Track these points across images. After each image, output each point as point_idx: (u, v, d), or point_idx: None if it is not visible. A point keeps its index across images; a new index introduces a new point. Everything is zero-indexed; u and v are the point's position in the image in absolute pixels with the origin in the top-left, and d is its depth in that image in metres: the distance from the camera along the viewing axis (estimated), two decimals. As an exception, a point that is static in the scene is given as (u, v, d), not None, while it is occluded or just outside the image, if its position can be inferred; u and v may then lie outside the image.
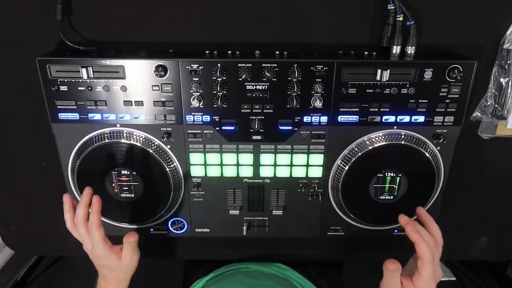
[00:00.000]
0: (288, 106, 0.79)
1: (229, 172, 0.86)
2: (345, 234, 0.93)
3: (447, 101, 0.78)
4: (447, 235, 0.99)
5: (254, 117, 0.80)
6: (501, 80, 0.80)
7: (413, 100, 0.78)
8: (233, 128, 0.80)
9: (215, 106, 0.78)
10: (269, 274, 0.99)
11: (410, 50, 0.77)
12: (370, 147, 0.81)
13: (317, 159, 0.84)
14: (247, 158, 0.84)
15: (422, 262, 0.67)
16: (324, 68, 0.75)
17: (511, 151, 0.89)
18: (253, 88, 0.77)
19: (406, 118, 0.80)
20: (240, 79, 0.76)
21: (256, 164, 0.85)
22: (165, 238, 0.96)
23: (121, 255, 0.81)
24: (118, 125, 0.81)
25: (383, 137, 0.81)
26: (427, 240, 0.68)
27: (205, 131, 0.81)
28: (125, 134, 0.81)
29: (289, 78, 0.76)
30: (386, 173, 0.84)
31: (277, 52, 0.78)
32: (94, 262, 0.83)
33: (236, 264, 1.03)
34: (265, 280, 0.93)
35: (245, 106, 0.79)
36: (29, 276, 1.35)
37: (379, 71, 0.75)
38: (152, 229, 0.93)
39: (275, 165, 0.85)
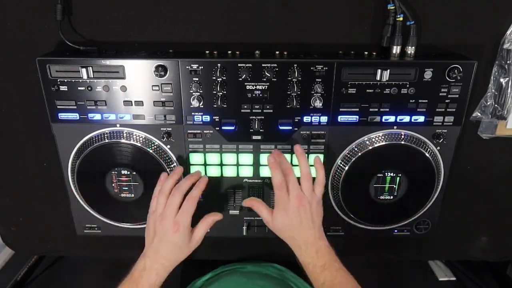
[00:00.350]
0: (288, 106, 0.79)
1: (229, 172, 0.86)
2: (345, 234, 0.93)
3: (447, 101, 0.78)
4: (447, 235, 1.00)
5: (254, 117, 0.80)
6: (501, 80, 0.80)
7: (413, 100, 0.78)
8: (233, 128, 0.80)
9: (215, 106, 0.78)
10: (266, 275, 0.99)
11: (410, 50, 0.77)
12: (370, 147, 0.81)
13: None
14: (247, 158, 0.84)
15: (273, 187, 0.76)
16: (324, 68, 0.75)
17: (511, 151, 0.89)
18: (253, 88, 0.77)
19: (406, 118, 0.80)
20: (240, 79, 0.76)
21: (256, 164, 0.85)
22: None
23: (194, 232, 0.77)
24: (118, 125, 0.81)
25: (383, 137, 0.81)
26: (283, 169, 0.76)
27: (205, 131, 0.81)
28: (125, 134, 0.81)
29: (289, 78, 0.76)
30: (386, 173, 0.84)
31: (277, 52, 0.78)
32: (162, 237, 0.75)
33: (234, 264, 1.03)
34: (261, 280, 0.93)
35: (245, 106, 0.79)
36: (29, 276, 1.34)
37: (379, 71, 0.75)
38: (152, 229, 0.92)
39: (275, 165, 0.85)
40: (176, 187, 0.76)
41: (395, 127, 0.81)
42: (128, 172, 0.84)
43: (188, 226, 0.76)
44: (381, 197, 0.87)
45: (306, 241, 0.75)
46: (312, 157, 0.84)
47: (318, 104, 0.78)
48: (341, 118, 0.80)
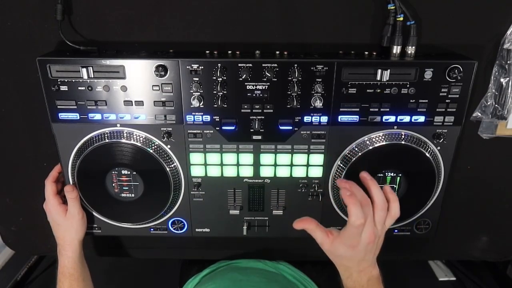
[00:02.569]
0: (288, 106, 0.79)
1: (229, 172, 0.86)
2: (345, 234, 0.93)
3: (447, 101, 0.78)
4: (447, 235, 1.00)
5: (254, 117, 0.80)
6: (501, 80, 0.80)
7: (413, 100, 0.78)
8: (233, 128, 0.80)
9: (215, 106, 0.78)
10: (262, 269, 0.99)
11: (410, 50, 0.77)
12: (370, 147, 0.81)
13: (317, 159, 0.84)
14: (247, 158, 0.84)
15: (348, 222, 0.69)
16: (324, 68, 0.75)
17: (511, 151, 0.89)
18: (253, 88, 0.77)
19: (406, 118, 0.80)
20: (240, 79, 0.76)
21: (256, 164, 0.85)
22: (165, 238, 0.96)
23: (68, 209, 0.87)
24: (118, 125, 0.81)
25: (383, 137, 0.81)
26: (360, 202, 0.69)
27: (205, 131, 0.81)
28: (125, 134, 0.81)
29: (289, 78, 0.76)
30: (386, 173, 0.84)
31: (277, 52, 0.78)
32: (49, 219, 0.89)
33: (230, 260, 1.03)
34: (257, 277, 0.93)
35: (245, 106, 0.79)
36: (29, 276, 1.34)
37: (379, 71, 0.75)
38: (152, 229, 0.93)
39: (275, 165, 0.85)
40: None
41: (395, 127, 0.81)
42: (128, 172, 0.84)
43: (54, 205, 0.86)
44: (381, 197, 0.87)
45: (360, 271, 0.72)
46: (312, 157, 0.84)
47: (318, 104, 0.78)
48: (341, 118, 0.80)
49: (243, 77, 0.76)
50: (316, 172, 0.86)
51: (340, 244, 0.71)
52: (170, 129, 0.81)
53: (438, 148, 0.83)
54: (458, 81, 0.76)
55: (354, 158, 0.82)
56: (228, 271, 0.98)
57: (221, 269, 1.00)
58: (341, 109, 0.79)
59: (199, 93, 0.77)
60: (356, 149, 0.82)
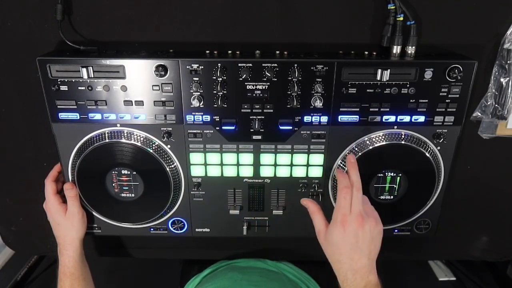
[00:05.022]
0: (288, 106, 0.79)
1: (229, 172, 0.86)
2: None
3: (447, 101, 0.78)
4: (447, 235, 1.00)
5: (254, 117, 0.80)
6: (501, 80, 0.80)
7: (413, 100, 0.78)
8: (233, 128, 0.80)
9: (215, 106, 0.78)
10: (263, 269, 0.99)
11: (410, 50, 0.77)
12: (370, 147, 0.81)
13: (317, 159, 0.84)
14: (247, 158, 0.84)
15: (337, 196, 0.73)
16: (324, 68, 0.75)
17: (511, 151, 0.89)
18: (253, 88, 0.77)
19: (406, 118, 0.80)
20: (240, 79, 0.76)
21: (256, 164, 0.85)
22: (165, 238, 0.96)
23: (68, 208, 0.87)
24: (118, 125, 0.81)
25: (383, 137, 0.81)
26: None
27: (205, 131, 0.81)
28: (125, 134, 0.81)
29: (289, 78, 0.76)
30: (386, 173, 0.84)
31: (277, 52, 0.78)
32: (49, 219, 0.89)
33: (230, 260, 1.03)
34: (257, 276, 0.93)
35: (245, 106, 0.79)
36: (29, 276, 1.34)
37: (379, 71, 0.75)
38: (152, 229, 0.93)
39: (275, 165, 0.85)
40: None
41: (395, 127, 0.81)
42: (128, 172, 0.84)
43: (54, 204, 0.86)
44: (382, 197, 0.87)
45: (355, 270, 0.69)
46: (312, 157, 0.84)
47: (319, 104, 0.78)
48: (341, 118, 0.80)
49: (243, 77, 0.76)
50: (316, 172, 0.86)
51: (333, 227, 0.71)
52: (170, 129, 0.81)
53: (438, 148, 0.83)
54: (458, 81, 0.76)
55: (354, 158, 0.82)
56: (228, 270, 0.98)
57: (222, 269, 1.00)
58: (341, 109, 0.79)
59: (199, 93, 0.77)
60: (356, 149, 0.82)
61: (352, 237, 0.69)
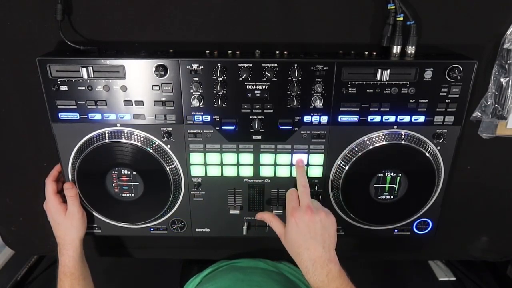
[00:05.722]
0: (288, 106, 0.79)
1: (229, 172, 0.86)
2: (345, 233, 0.93)
3: (447, 101, 0.78)
4: (447, 235, 1.00)
5: (254, 117, 0.80)
6: (501, 80, 0.80)
7: (413, 100, 0.78)
8: (233, 128, 0.80)
9: (215, 106, 0.78)
10: (263, 269, 0.99)
11: (410, 50, 0.77)
12: (370, 147, 0.81)
13: (317, 159, 0.84)
14: (247, 158, 0.84)
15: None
16: (324, 68, 0.75)
17: (511, 151, 0.89)
18: (253, 88, 0.77)
19: (406, 118, 0.80)
20: (240, 79, 0.76)
21: (256, 164, 0.85)
22: (165, 238, 0.96)
23: (68, 208, 0.87)
24: (118, 125, 0.81)
25: (383, 137, 0.81)
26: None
27: (205, 131, 0.81)
28: (125, 134, 0.81)
29: (289, 78, 0.76)
30: (386, 173, 0.84)
31: (277, 52, 0.78)
32: (49, 219, 0.89)
33: (230, 260, 1.03)
34: (258, 276, 0.93)
35: (245, 106, 0.79)
36: (29, 276, 1.35)
37: (379, 71, 0.75)
38: (152, 229, 0.93)
39: (275, 164, 0.85)
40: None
41: (395, 127, 0.81)
42: (128, 172, 0.84)
43: (54, 204, 0.86)
44: (381, 197, 0.87)
45: (314, 260, 0.72)
46: (312, 157, 0.84)
47: (318, 104, 0.78)
48: (341, 118, 0.80)
49: (243, 77, 0.76)
50: (316, 172, 0.86)
51: (287, 225, 0.76)
52: (170, 129, 0.81)
53: (438, 148, 0.83)
54: (458, 81, 0.76)
55: (354, 158, 0.82)
56: (229, 271, 0.98)
57: (222, 269, 1.00)
58: (341, 109, 0.79)
59: (199, 93, 0.77)
60: (356, 149, 0.82)
61: (304, 228, 0.74)
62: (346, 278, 0.73)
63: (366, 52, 0.78)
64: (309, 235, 0.73)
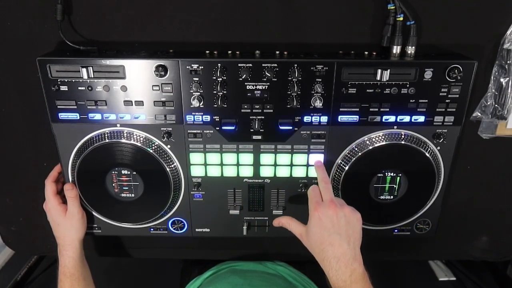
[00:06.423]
0: (288, 106, 0.79)
1: (229, 172, 0.86)
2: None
3: (447, 101, 0.78)
4: (447, 235, 1.00)
5: (254, 117, 0.80)
6: (501, 80, 0.80)
7: (413, 100, 0.78)
8: (233, 128, 0.80)
9: (215, 106, 0.78)
10: (263, 272, 0.99)
11: (410, 50, 0.77)
12: (370, 147, 0.81)
13: (317, 159, 0.84)
14: (247, 158, 0.84)
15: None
16: (324, 68, 0.75)
17: (511, 151, 0.89)
18: (253, 88, 0.77)
19: (406, 118, 0.80)
20: (240, 79, 0.76)
21: (256, 164, 0.85)
22: (165, 238, 0.96)
23: (68, 208, 0.87)
24: (118, 125, 0.81)
25: (383, 137, 0.81)
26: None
27: (205, 131, 0.81)
28: (125, 134, 0.81)
29: (289, 78, 0.76)
30: (386, 173, 0.84)
31: (277, 52, 0.78)
32: (49, 219, 0.89)
33: (230, 262, 1.03)
34: (257, 280, 0.93)
35: (245, 106, 0.79)
36: (29, 276, 1.34)
37: (379, 71, 0.75)
38: (152, 229, 0.93)
39: (275, 165, 0.85)
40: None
41: (395, 127, 0.81)
42: (128, 172, 0.84)
43: (54, 205, 0.86)
44: (381, 197, 0.87)
45: (338, 258, 0.69)
46: (312, 157, 0.84)
47: (318, 104, 0.78)
48: (341, 118, 0.80)
49: (243, 77, 0.76)
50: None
51: (310, 220, 0.74)
52: (170, 129, 0.81)
53: (438, 148, 0.83)
54: (458, 81, 0.76)
55: (354, 158, 0.82)
56: (229, 274, 0.98)
57: (222, 272, 1.00)
58: (341, 109, 0.79)
59: (199, 93, 0.77)
60: (356, 149, 0.82)
61: (328, 222, 0.71)
62: (369, 282, 0.70)
63: (366, 52, 0.78)
64: (333, 229, 0.70)
